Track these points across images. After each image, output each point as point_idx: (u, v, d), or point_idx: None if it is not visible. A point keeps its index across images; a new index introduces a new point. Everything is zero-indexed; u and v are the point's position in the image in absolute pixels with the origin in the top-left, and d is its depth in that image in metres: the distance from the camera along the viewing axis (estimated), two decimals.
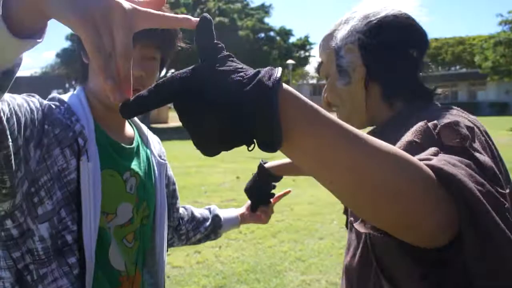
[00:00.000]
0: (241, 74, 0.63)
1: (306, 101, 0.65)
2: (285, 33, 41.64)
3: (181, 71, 0.64)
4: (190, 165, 12.41)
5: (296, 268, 4.99)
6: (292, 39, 42.40)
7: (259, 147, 0.64)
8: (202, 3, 37.42)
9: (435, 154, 0.79)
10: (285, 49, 39.62)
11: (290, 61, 32.78)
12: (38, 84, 33.07)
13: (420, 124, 0.88)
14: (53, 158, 1.18)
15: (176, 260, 5.22)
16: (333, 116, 0.67)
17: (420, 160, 0.73)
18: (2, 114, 0.92)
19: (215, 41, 0.67)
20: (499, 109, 42.68)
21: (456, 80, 46.15)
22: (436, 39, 62.45)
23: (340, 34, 1.22)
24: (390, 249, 0.85)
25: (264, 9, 41.89)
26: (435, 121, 0.89)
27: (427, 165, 0.71)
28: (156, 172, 1.50)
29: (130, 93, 0.67)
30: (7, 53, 0.74)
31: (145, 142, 1.52)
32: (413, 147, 0.82)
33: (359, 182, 0.65)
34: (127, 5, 0.66)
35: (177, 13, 0.75)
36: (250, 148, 0.64)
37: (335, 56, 1.23)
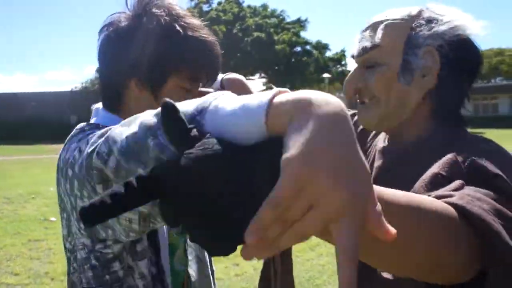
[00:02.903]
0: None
1: None
2: (322, 47, 41.65)
3: (149, 170, 0.54)
4: None
5: (335, 282, 4.94)
6: (328, 53, 42.21)
7: None
8: (241, 19, 38.04)
9: (460, 187, 0.77)
10: (322, 62, 39.55)
11: (326, 75, 32.78)
12: (79, 100, 33.10)
13: (449, 156, 0.87)
14: None
15: (215, 272, 5.20)
16: None
17: (442, 196, 0.72)
18: None
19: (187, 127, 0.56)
20: None
21: (496, 92, 45.06)
22: None
23: (424, 30, 1.09)
24: None
25: (300, 24, 42.06)
26: (466, 154, 0.87)
27: (449, 203, 0.70)
28: None
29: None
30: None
31: None
32: (439, 180, 0.81)
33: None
34: None
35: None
36: None
37: (406, 48, 1.10)
